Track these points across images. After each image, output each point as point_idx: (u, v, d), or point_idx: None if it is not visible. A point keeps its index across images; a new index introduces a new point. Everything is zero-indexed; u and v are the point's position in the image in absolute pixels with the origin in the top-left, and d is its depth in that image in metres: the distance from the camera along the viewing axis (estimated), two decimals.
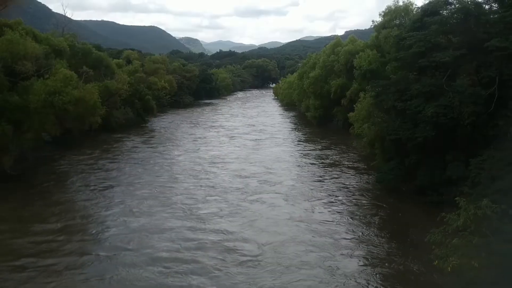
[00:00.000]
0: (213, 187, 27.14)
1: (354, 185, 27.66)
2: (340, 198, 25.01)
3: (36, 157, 33.11)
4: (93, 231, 19.95)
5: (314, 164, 33.99)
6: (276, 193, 26.10)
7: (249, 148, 40.56)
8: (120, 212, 22.12)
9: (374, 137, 27.74)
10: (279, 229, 20.26)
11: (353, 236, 19.54)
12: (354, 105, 34.22)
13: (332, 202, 24.33)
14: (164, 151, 38.89)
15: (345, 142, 41.27)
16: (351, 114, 34.30)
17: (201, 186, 27.34)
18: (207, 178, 29.15)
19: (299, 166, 33.60)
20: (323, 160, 35.17)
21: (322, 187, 27.42)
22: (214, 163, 34.03)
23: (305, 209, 23.10)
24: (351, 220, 21.64)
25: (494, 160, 19.55)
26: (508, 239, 12.54)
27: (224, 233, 19.64)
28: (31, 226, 19.97)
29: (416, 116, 22.39)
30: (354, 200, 24.62)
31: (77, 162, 33.74)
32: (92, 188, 26.63)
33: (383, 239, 19.16)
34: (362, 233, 20.03)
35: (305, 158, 36.33)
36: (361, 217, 22.00)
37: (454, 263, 12.22)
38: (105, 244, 18.41)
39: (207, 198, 24.95)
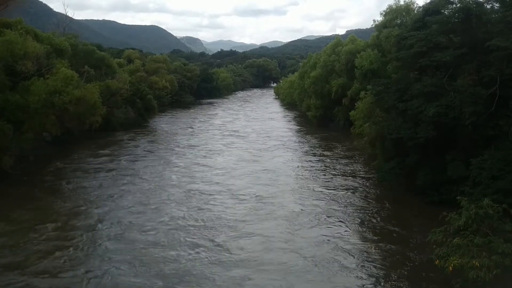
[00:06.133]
0: (199, 219, 21.29)
1: (355, 185, 27.58)
2: (340, 200, 24.59)
3: (36, 157, 33.13)
4: (79, 241, 18.52)
5: (314, 168, 33.21)
6: (275, 219, 21.50)
7: (248, 156, 37.44)
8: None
9: (375, 136, 27.74)
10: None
11: (353, 237, 19.48)
12: (356, 103, 34.24)
13: (333, 207, 23.52)
14: (159, 157, 36.45)
15: (346, 142, 41.19)
16: (352, 112, 34.35)
17: (186, 216, 21.65)
18: (197, 206, 23.37)
19: (299, 175, 30.71)
20: (323, 163, 34.76)
21: (323, 194, 25.91)
22: (209, 176, 29.77)
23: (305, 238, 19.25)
24: (351, 221, 21.44)
25: (495, 160, 19.61)
26: (509, 238, 12.55)
27: None
28: (28, 226, 19.87)
29: (417, 116, 22.38)
30: (354, 201, 24.50)
31: (77, 162, 33.61)
32: (88, 189, 26.39)
33: (383, 239, 19.11)
34: (363, 233, 20.00)
35: (306, 162, 35.27)
36: (361, 217, 21.92)
37: (455, 262, 12.23)
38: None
39: (186, 238, 18.97)
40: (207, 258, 16.99)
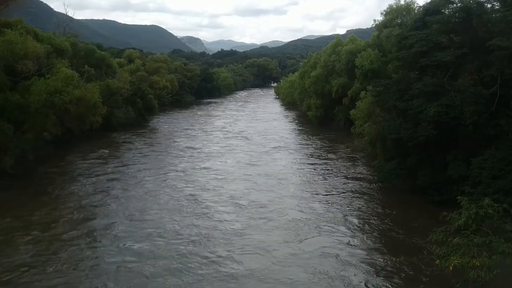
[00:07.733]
0: (194, 230, 19.95)
1: (356, 187, 27.49)
2: (342, 204, 24.18)
3: (37, 157, 33.12)
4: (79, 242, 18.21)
5: (315, 170, 32.73)
6: (276, 229, 20.36)
7: (248, 158, 36.31)
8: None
9: (375, 136, 27.74)
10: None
11: (353, 236, 19.50)
12: (356, 103, 34.27)
13: (335, 212, 22.87)
14: (158, 160, 35.70)
15: (347, 142, 41.21)
16: (353, 111, 34.36)
17: (180, 227, 20.38)
18: (193, 214, 22.12)
19: (300, 179, 29.96)
20: (324, 165, 34.44)
21: (325, 197, 25.30)
22: (207, 181, 28.61)
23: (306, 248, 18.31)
24: (353, 225, 21.19)
25: (496, 160, 19.63)
26: (509, 238, 12.53)
27: None
28: (28, 226, 19.82)
29: (418, 116, 22.37)
30: (356, 203, 24.33)
31: (77, 162, 33.58)
32: (84, 192, 26.03)
33: (384, 239, 19.14)
34: (363, 233, 19.99)
35: (307, 164, 34.60)
36: (362, 217, 21.94)
37: (455, 262, 12.19)
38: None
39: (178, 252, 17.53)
40: (202, 275, 15.65)
